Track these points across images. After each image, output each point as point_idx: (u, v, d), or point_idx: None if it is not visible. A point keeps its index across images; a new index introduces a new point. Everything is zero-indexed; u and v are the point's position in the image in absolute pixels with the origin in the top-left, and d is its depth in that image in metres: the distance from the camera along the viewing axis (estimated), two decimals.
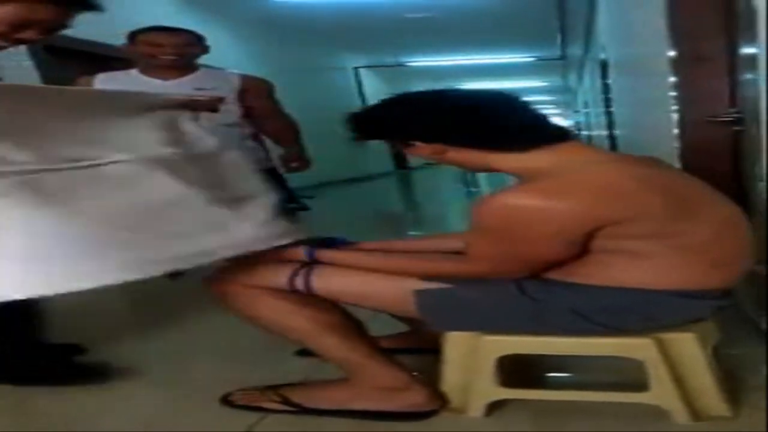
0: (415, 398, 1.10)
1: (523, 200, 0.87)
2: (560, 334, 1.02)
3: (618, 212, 0.86)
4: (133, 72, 2.32)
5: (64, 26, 1.18)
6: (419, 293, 1.03)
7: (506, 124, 0.95)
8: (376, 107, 1.03)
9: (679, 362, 1.00)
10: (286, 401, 1.16)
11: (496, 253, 0.94)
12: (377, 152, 10.74)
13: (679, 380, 1.00)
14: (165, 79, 2.26)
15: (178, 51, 2.24)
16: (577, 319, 0.96)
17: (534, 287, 0.98)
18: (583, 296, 0.95)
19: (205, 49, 2.35)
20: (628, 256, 0.91)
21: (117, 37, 2.30)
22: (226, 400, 1.21)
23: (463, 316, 1.05)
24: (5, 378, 1.41)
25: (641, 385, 1.02)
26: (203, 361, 1.50)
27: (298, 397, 1.16)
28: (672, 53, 2.07)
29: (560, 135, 0.95)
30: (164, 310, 1.87)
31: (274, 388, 1.19)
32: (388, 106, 1.01)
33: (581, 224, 0.87)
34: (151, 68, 2.29)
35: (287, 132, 2.43)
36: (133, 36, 2.26)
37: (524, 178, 0.94)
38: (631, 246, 0.90)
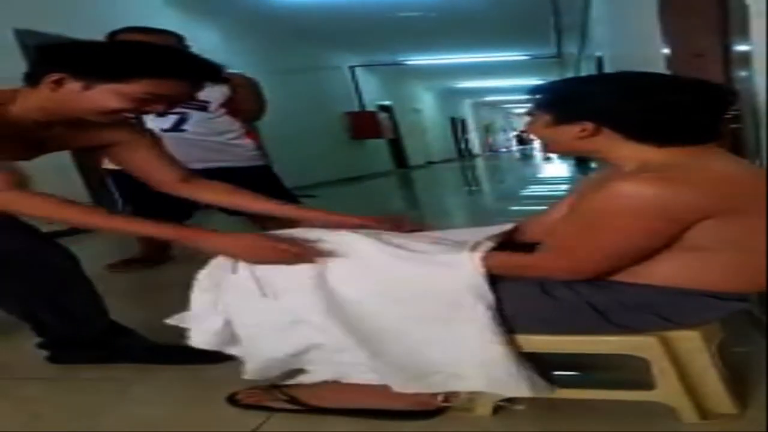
0: (421, 397, 1.10)
1: (652, 188, 0.84)
2: (574, 333, 1.03)
3: (733, 204, 0.86)
4: None
5: (192, 97, 1.21)
6: None
7: (691, 120, 0.92)
8: (568, 81, 1.05)
9: (684, 360, 1.00)
10: (292, 400, 1.16)
11: (593, 248, 0.92)
12: (376, 151, 10.76)
13: (684, 378, 1.00)
14: None
15: None
16: (594, 317, 0.97)
17: (556, 286, 0.99)
18: (605, 293, 0.96)
19: (185, 50, 2.37)
20: (684, 250, 0.90)
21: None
22: (232, 400, 1.22)
23: None
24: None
25: (648, 384, 1.02)
26: None
27: (304, 396, 1.16)
28: (666, 50, 2.09)
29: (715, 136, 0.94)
30: (169, 307, 1.87)
31: (280, 387, 1.19)
32: (581, 81, 1.05)
33: (697, 214, 0.85)
34: None
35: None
36: (112, 37, 2.27)
37: (633, 168, 0.92)
38: (700, 241, 0.88)
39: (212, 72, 1.16)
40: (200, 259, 1.15)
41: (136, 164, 1.37)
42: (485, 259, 1.00)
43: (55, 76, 1.06)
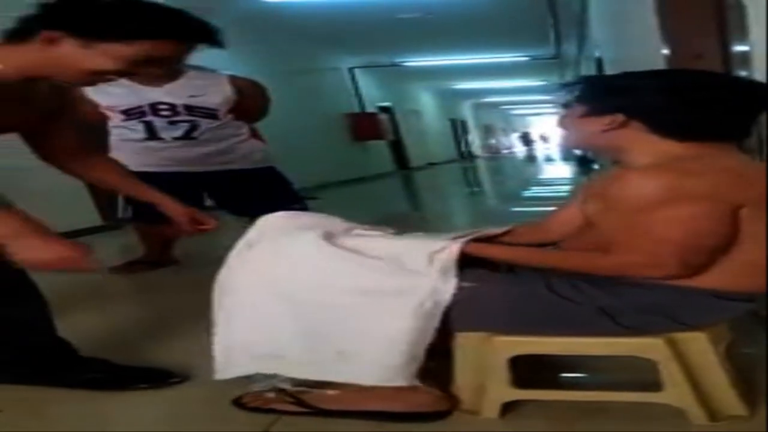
0: (424, 399, 1.10)
1: (679, 178, 0.86)
2: (581, 335, 1.03)
3: (757, 195, 0.87)
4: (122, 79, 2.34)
5: (182, 60, 1.18)
6: None
7: (724, 118, 0.93)
8: (605, 76, 1.07)
9: (692, 362, 1.00)
10: (299, 403, 1.16)
11: (671, 242, 0.89)
12: (378, 153, 10.76)
13: (692, 380, 1.00)
14: (155, 85, 2.28)
15: None
16: (603, 319, 0.97)
17: (563, 286, 0.99)
18: (613, 295, 0.96)
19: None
20: None
21: None
22: (239, 403, 1.22)
23: (486, 316, 1.05)
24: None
25: (656, 385, 1.02)
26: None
27: (310, 398, 1.16)
28: (666, 51, 2.10)
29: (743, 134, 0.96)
30: (173, 310, 1.90)
31: (286, 389, 1.18)
32: (619, 76, 1.05)
33: (739, 195, 0.87)
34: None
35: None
36: None
37: (648, 163, 0.94)
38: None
39: (212, 34, 1.12)
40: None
41: (49, 133, 1.29)
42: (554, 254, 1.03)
43: (52, 34, 1.00)
